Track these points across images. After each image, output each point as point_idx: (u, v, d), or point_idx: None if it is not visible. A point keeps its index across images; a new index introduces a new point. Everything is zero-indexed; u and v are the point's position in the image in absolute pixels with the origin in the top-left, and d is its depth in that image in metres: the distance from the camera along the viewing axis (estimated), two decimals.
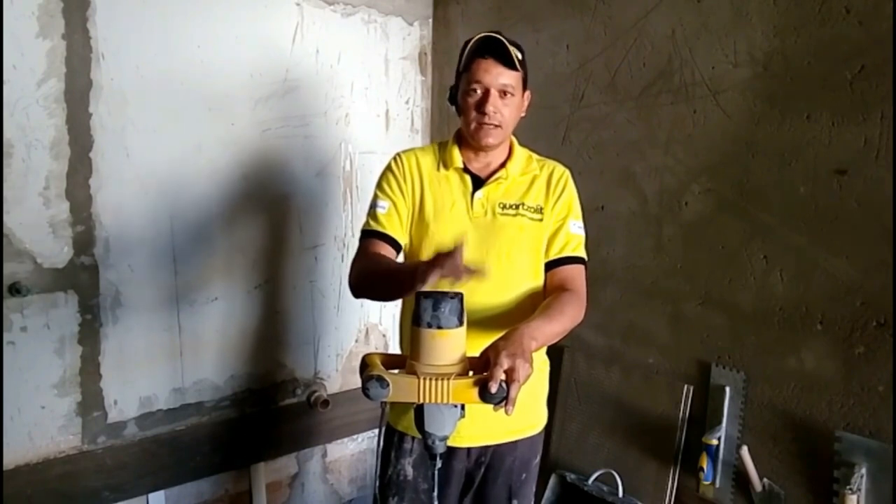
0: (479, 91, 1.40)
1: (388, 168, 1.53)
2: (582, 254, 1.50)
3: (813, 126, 1.58)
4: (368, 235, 1.49)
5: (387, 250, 1.47)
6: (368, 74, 2.52)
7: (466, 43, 1.43)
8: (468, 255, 1.43)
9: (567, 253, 1.48)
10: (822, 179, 1.57)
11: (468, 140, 1.48)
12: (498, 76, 1.39)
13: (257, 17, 2.19)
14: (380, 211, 1.49)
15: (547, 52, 2.22)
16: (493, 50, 1.38)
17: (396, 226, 1.48)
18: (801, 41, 1.60)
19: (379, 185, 1.53)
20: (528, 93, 1.49)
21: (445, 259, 1.10)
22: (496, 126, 1.41)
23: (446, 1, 2.64)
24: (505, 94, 1.40)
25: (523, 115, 1.50)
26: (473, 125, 1.42)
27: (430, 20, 2.71)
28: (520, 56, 1.42)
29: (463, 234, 1.42)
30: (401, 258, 1.54)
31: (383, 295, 1.45)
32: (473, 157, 1.51)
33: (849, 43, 1.52)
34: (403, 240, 1.50)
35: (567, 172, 1.54)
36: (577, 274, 1.48)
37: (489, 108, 1.39)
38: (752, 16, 1.69)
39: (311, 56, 2.35)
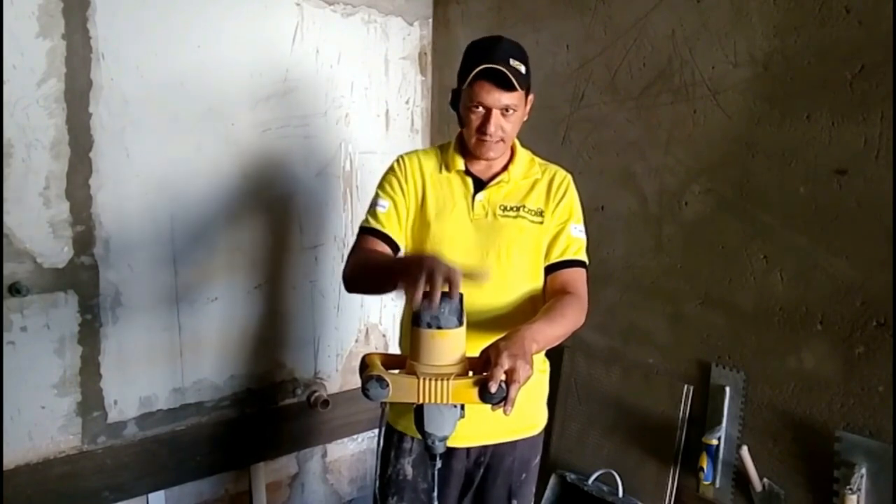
0: (480, 110, 1.39)
1: (391, 169, 1.54)
2: (583, 258, 1.50)
3: (813, 126, 1.58)
4: (366, 232, 1.48)
5: (383, 248, 1.46)
6: (368, 74, 2.52)
7: (469, 47, 1.42)
8: (468, 257, 1.44)
9: (568, 256, 1.48)
10: (822, 179, 1.57)
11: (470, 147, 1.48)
12: (500, 98, 1.37)
13: (257, 17, 2.19)
14: (380, 210, 1.49)
15: (547, 52, 2.22)
16: (495, 76, 1.35)
17: (395, 226, 1.48)
18: (801, 41, 1.60)
19: (381, 185, 1.53)
20: (531, 96, 1.48)
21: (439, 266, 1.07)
22: (498, 141, 1.42)
23: (446, 1, 2.64)
24: (507, 110, 1.40)
25: (525, 118, 1.50)
26: (474, 140, 1.43)
27: (430, 20, 2.70)
28: (523, 70, 1.39)
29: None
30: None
31: (377, 287, 1.42)
32: (475, 160, 1.51)
33: (849, 43, 1.51)
34: (401, 241, 1.50)
35: (569, 177, 1.54)
36: (578, 277, 1.47)
37: (490, 128, 1.38)
38: (752, 16, 1.69)
39: (311, 56, 2.34)
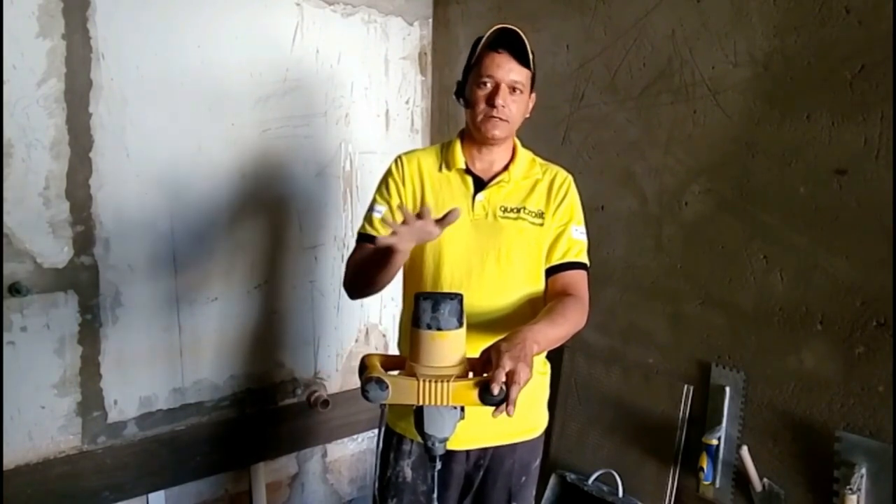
0: (489, 85, 1.40)
1: (388, 171, 1.54)
2: (584, 260, 1.50)
3: (813, 126, 1.58)
4: (363, 240, 1.50)
5: None
6: (368, 74, 2.52)
7: (478, 39, 1.43)
8: (467, 258, 1.44)
9: (569, 258, 1.47)
10: (822, 179, 1.57)
11: (473, 135, 1.48)
12: (509, 72, 1.39)
13: (257, 17, 2.19)
14: (376, 215, 1.49)
15: (547, 52, 2.21)
16: (508, 43, 1.38)
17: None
18: (801, 41, 1.60)
19: (378, 189, 1.54)
20: (533, 95, 1.49)
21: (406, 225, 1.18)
22: (503, 120, 1.42)
23: (446, 1, 2.64)
24: (514, 90, 1.41)
25: (527, 116, 1.50)
26: (481, 117, 1.42)
27: (430, 20, 2.70)
28: (532, 54, 1.42)
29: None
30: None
31: (369, 279, 1.38)
32: (477, 157, 1.50)
33: (849, 43, 1.51)
34: None
35: (570, 178, 1.54)
36: (579, 279, 1.47)
37: (499, 101, 1.39)
38: (752, 16, 1.69)
39: (311, 56, 2.34)
